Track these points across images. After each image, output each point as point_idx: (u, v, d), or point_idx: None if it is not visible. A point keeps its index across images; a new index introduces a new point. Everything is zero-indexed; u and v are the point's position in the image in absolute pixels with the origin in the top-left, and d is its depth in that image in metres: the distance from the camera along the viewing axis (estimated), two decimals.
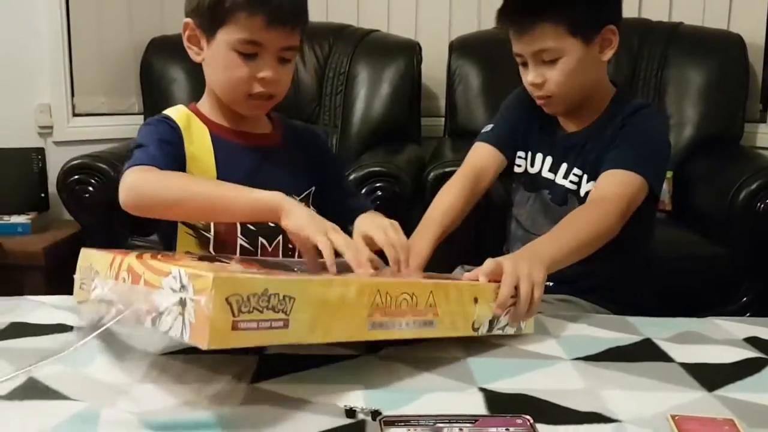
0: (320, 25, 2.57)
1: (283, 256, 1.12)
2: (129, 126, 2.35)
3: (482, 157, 1.33)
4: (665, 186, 2.22)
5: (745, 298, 1.90)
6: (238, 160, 1.11)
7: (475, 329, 0.87)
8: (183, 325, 0.65)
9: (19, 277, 2.08)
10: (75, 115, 2.48)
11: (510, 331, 0.91)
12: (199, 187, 1.00)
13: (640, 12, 2.53)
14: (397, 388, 0.77)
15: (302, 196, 1.13)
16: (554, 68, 1.18)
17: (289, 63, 1.08)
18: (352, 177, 1.92)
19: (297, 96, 2.46)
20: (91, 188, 1.99)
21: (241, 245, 1.11)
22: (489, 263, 0.92)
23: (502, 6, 1.25)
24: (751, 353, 0.88)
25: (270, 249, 1.12)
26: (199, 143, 1.10)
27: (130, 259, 0.77)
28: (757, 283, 1.90)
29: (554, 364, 0.84)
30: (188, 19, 1.08)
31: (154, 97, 2.45)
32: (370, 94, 2.43)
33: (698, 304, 1.56)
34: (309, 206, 1.12)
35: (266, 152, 1.14)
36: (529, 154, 1.31)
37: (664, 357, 0.87)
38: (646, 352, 0.89)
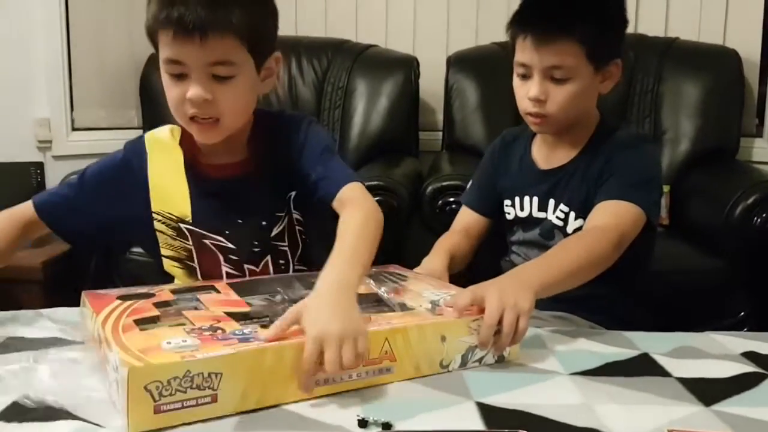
0: (319, 40, 2.58)
1: (275, 272, 1.11)
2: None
3: (467, 219, 1.36)
4: (662, 200, 2.22)
5: (742, 313, 1.90)
6: (210, 191, 1.08)
7: (444, 366, 0.85)
8: (120, 402, 0.69)
9: (17, 291, 2.07)
10: (74, 129, 2.49)
11: (491, 360, 0.88)
12: None
13: (636, 27, 2.55)
14: (392, 401, 0.77)
15: (283, 212, 1.10)
16: (561, 88, 1.16)
17: (230, 80, 0.99)
18: None
19: (295, 110, 2.47)
20: None
21: (227, 272, 1.10)
22: (466, 294, 0.89)
23: (521, 11, 1.20)
24: (748, 368, 0.88)
25: (259, 270, 1.10)
26: (170, 172, 1.09)
27: (101, 319, 0.82)
28: (754, 298, 1.90)
29: (551, 378, 0.84)
30: None
31: (153, 111, 2.46)
32: (368, 108, 2.44)
33: (695, 318, 1.55)
34: (293, 216, 1.10)
35: (239, 183, 1.08)
36: (516, 199, 1.29)
37: (662, 372, 0.87)
38: (643, 366, 0.89)
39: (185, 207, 1.09)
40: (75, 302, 0.97)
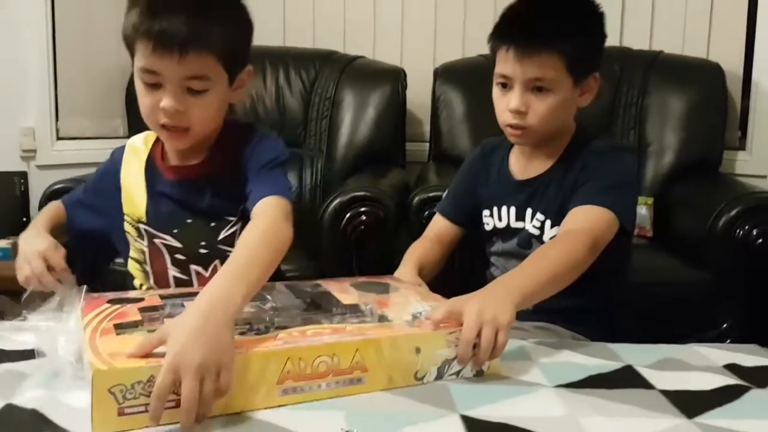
0: (306, 50, 2.59)
1: None
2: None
3: (440, 226, 1.37)
4: (646, 212, 2.24)
5: (725, 324, 1.91)
6: (164, 193, 1.13)
7: (419, 379, 0.85)
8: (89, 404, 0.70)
9: None
10: (59, 138, 2.47)
11: (469, 374, 0.87)
12: None
13: (621, 40, 2.57)
14: (376, 414, 0.77)
15: (234, 218, 1.11)
16: (542, 100, 1.16)
17: (203, 94, 1.02)
18: (336, 201, 1.92)
19: (283, 120, 2.47)
20: None
21: (174, 276, 1.13)
22: (443, 307, 0.88)
23: (503, 23, 1.21)
24: (731, 380, 0.89)
25: (207, 274, 1.11)
26: (135, 177, 1.15)
27: (84, 323, 0.83)
28: (737, 310, 1.91)
29: (535, 390, 0.85)
30: None
31: (139, 121, 2.43)
32: (355, 119, 2.44)
33: (679, 330, 1.56)
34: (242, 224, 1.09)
35: (194, 184, 1.11)
36: (495, 210, 1.29)
37: (645, 384, 0.88)
38: (627, 379, 0.89)
39: (141, 208, 1.14)
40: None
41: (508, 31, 1.19)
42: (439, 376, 0.86)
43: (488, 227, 1.31)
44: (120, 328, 0.82)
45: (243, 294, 0.81)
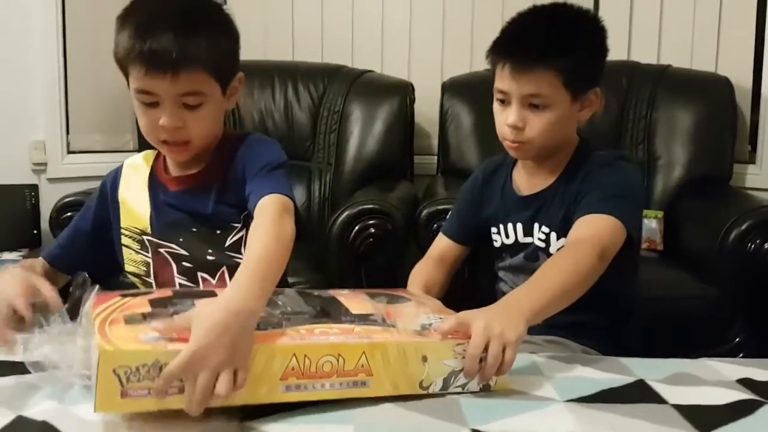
0: (315, 65, 2.61)
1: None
2: None
3: (444, 246, 1.37)
4: (656, 226, 2.23)
5: (737, 339, 1.90)
6: (167, 202, 1.14)
7: (424, 388, 0.84)
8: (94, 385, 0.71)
9: None
10: (69, 152, 2.49)
11: (475, 388, 0.86)
12: None
13: (629, 54, 2.58)
14: (386, 428, 0.77)
15: (238, 224, 1.11)
16: (539, 115, 1.16)
17: (199, 108, 1.05)
18: (345, 214, 1.93)
19: (292, 134, 2.49)
20: None
21: (181, 285, 1.13)
22: (452, 319, 0.88)
23: (500, 40, 1.21)
24: (743, 395, 0.88)
25: (215, 282, 1.12)
26: (136, 191, 1.16)
27: (95, 313, 0.83)
28: (749, 324, 1.90)
29: (547, 405, 0.84)
30: None
31: None
32: (363, 132, 2.45)
33: (691, 344, 1.55)
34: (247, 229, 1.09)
35: (196, 192, 1.13)
36: (501, 227, 1.29)
37: (658, 398, 0.87)
38: (639, 393, 0.88)
39: (145, 220, 1.15)
40: None
41: (505, 47, 1.20)
42: (445, 387, 0.85)
43: (497, 244, 1.32)
44: (129, 319, 0.83)
45: (262, 295, 0.84)
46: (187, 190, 1.14)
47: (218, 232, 1.12)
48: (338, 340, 0.81)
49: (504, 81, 1.18)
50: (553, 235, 1.21)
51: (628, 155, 1.25)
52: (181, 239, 1.13)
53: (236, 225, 1.12)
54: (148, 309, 0.87)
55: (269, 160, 1.09)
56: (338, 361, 0.79)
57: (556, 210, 1.22)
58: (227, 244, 1.12)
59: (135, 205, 1.16)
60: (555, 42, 1.15)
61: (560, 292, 1.01)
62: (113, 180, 1.20)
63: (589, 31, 1.22)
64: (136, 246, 1.16)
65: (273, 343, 0.78)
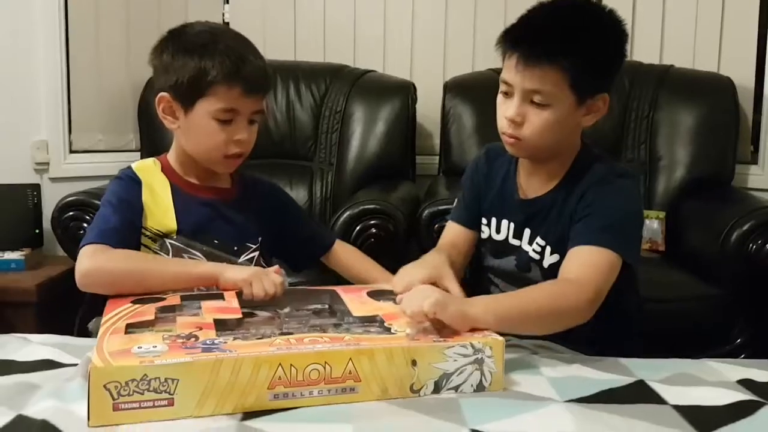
0: (317, 65, 2.61)
1: None
2: (125, 163, 2.33)
3: (453, 234, 1.33)
4: (658, 226, 2.23)
5: (738, 340, 1.89)
6: (195, 210, 1.20)
7: (415, 391, 0.85)
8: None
9: (11, 313, 2.06)
10: (72, 151, 2.49)
11: (469, 389, 0.87)
12: (149, 267, 1.10)
13: (631, 54, 2.57)
14: (385, 428, 0.77)
15: (257, 244, 1.24)
16: (539, 113, 1.11)
17: (256, 124, 1.21)
18: (346, 214, 1.93)
19: (293, 134, 2.49)
20: (85, 225, 1.98)
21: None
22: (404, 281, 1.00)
23: (512, 28, 1.15)
24: (744, 396, 0.88)
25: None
26: (159, 195, 1.20)
27: (103, 320, 0.88)
28: (750, 325, 1.90)
29: (546, 405, 0.84)
30: (164, 93, 1.18)
31: (151, 134, 2.46)
32: (365, 132, 2.45)
33: (692, 345, 1.55)
34: (259, 252, 1.24)
35: (222, 204, 1.23)
36: (493, 220, 1.26)
37: (657, 399, 0.87)
38: (639, 394, 0.89)
39: (172, 223, 1.18)
40: (69, 325, 0.98)
41: (515, 37, 1.13)
42: (437, 390, 0.86)
43: (484, 235, 1.29)
44: (131, 327, 0.87)
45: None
46: (215, 201, 1.23)
47: (235, 248, 1.22)
48: (324, 348, 0.82)
49: (509, 72, 1.13)
50: (548, 249, 1.19)
51: (628, 169, 1.22)
52: (204, 248, 1.18)
53: (251, 245, 1.24)
54: (152, 317, 0.91)
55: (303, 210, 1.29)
56: (325, 368, 0.81)
57: (553, 224, 1.18)
58: (241, 260, 1.21)
59: (158, 207, 1.18)
60: (566, 39, 1.10)
61: (526, 312, 1.02)
62: (135, 180, 1.20)
63: (607, 33, 1.15)
64: (155, 247, 1.17)
65: (258, 353, 0.80)
